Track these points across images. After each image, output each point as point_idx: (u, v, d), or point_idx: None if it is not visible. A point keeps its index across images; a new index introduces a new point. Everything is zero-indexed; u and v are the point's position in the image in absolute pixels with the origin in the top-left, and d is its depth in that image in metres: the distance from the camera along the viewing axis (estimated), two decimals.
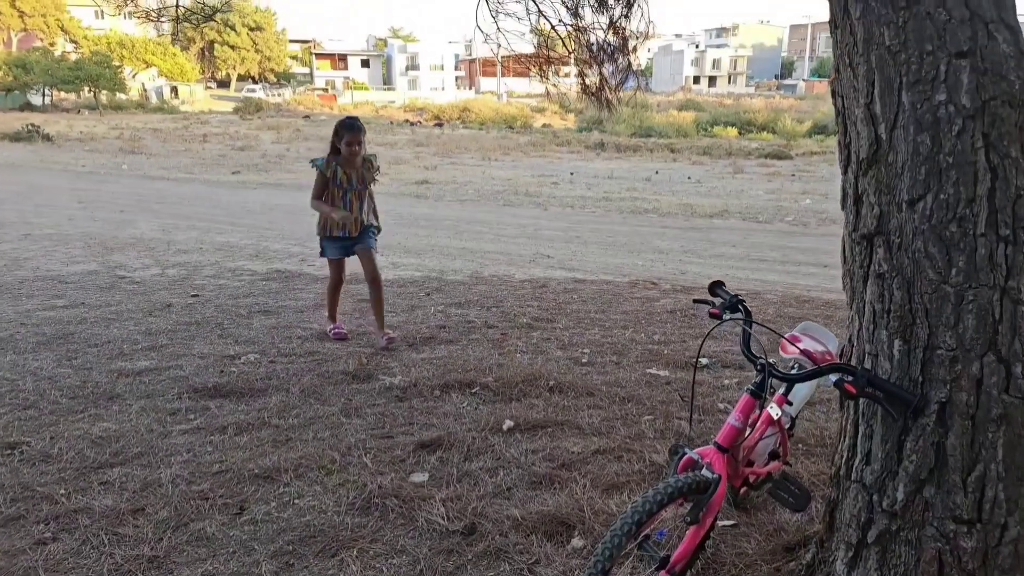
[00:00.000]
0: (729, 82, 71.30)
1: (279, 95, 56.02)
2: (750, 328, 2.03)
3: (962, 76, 1.64)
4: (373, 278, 4.76)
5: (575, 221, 10.59)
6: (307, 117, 39.25)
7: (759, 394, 1.93)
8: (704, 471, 1.89)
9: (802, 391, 2.59)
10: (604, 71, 4.42)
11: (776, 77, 74.18)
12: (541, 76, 4.81)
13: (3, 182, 13.78)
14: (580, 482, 2.79)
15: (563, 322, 5.26)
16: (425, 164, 20.54)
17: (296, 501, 2.66)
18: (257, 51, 64.00)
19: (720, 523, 2.47)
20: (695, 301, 2.40)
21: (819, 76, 68.32)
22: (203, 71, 64.24)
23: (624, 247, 8.69)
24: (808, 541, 2.21)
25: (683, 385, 3.87)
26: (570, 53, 4.49)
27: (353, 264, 4.97)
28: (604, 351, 4.52)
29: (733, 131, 32.88)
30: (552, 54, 5.06)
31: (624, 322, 5.23)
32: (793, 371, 1.99)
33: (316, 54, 72.75)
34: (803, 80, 66.40)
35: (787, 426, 2.51)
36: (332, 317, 4.99)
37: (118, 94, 45.59)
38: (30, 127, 24.81)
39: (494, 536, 2.42)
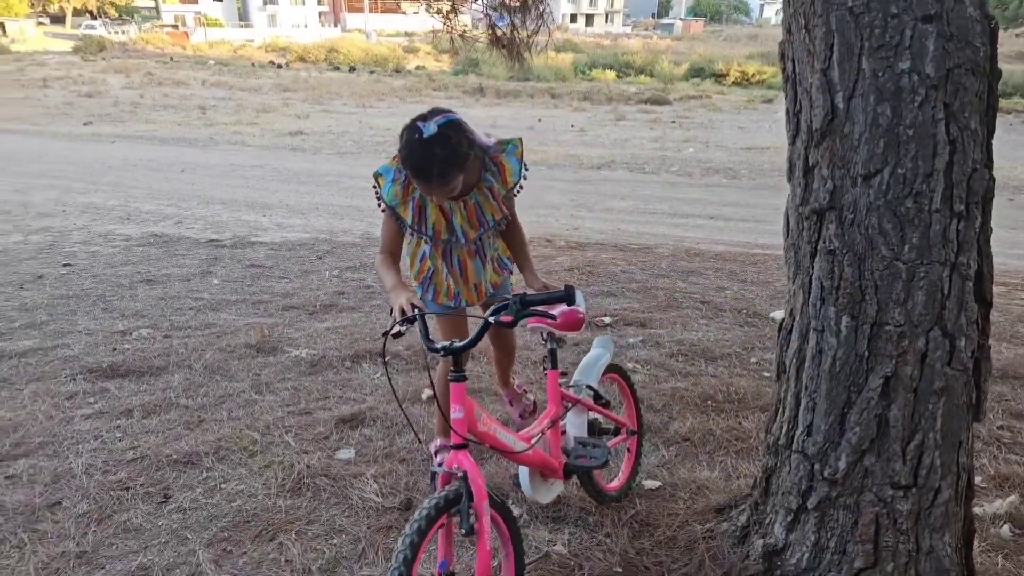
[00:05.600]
0: (606, 21, 71.38)
1: (123, 32, 50.68)
2: (424, 324, 1.86)
3: (927, 42, 1.55)
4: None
5: None
6: (172, 59, 35.96)
7: (460, 376, 1.80)
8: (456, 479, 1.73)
9: (594, 360, 2.47)
10: (515, 21, 4.24)
11: (653, 16, 74.45)
12: (444, 20, 4.55)
13: None
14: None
15: None
16: (296, 112, 19.60)
17: (223, 486, 2.58)
18: None
19: (646, 484, 2.61)
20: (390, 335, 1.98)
21: (695, 15, 68.64)
22: (32, 4, 57.24)
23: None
24: (738, 503, 2.30)
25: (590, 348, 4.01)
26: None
27: None
28: None
29: (612, 74, 33.13)
30: None
31: (523, 282, 5.32)
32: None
33: None
34: (680, 19, 66.18)
35: (583, 396, 2.35)
36: (443, 429, 2.67)
37: None
38: None
39: None
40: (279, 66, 36.08)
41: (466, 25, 4.98)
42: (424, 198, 2.24)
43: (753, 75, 31.55)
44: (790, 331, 1.97)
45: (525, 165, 2.30)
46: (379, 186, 2.26)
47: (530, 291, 2.24)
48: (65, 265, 5.48)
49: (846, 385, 1.80)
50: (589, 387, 2.39)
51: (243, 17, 66.01)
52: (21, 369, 3.54)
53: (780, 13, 1.98)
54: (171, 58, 35.73)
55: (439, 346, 1.79)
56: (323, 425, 3.05)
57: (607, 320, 4.39)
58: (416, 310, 1.90)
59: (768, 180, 10.26)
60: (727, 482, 2.64)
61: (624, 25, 69.93)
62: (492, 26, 4.38)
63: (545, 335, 2.27)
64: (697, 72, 33.15)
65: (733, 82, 31.59)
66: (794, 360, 1.94)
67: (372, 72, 34.08)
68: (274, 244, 6.47)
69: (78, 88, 22.89)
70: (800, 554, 1.94)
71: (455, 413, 1.79)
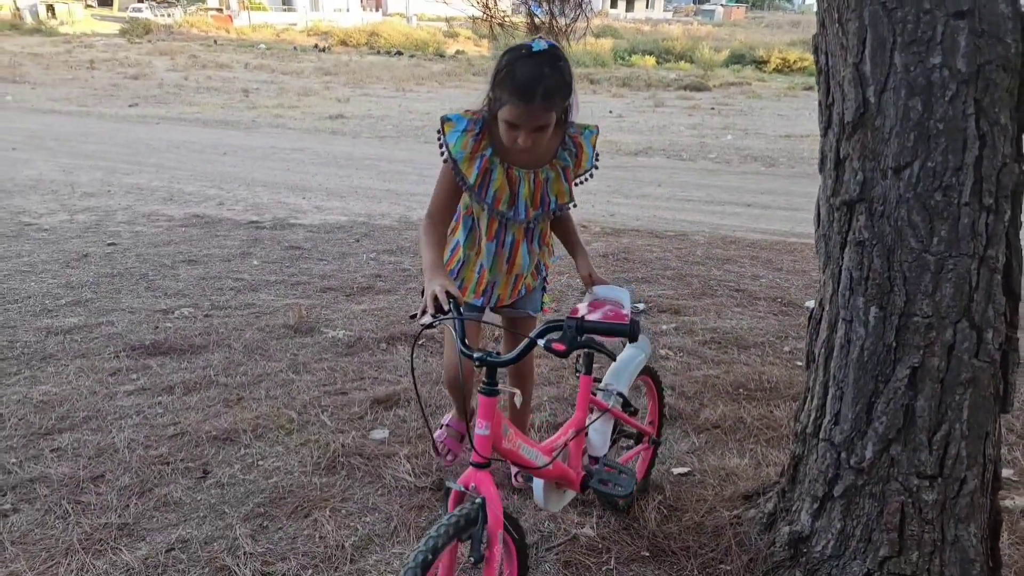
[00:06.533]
0: (647, 6, 70.20)
1: (168, 15, 51.71)
2: (460, 320, 1.70)
3: (959, 38, 1.57)
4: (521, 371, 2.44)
5: None
6: (216, 42, 36.48)
7: (493, 390, 1.64)
8: (471, 501, 1.60)
9: (628, 362, 2.33)
10: (554, 10, 4.27)
11: (694, 2, 73.06)
12: (484, 9, 4.57)
13: None
14: (538, 432, 2.89)
15: None
16: (337, 96, 19.71)
17: (260, 463, 2.66)
18: None
19: (674, 471, 2.63)
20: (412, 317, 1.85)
21: (737, 1, 67.21)
22: None
23: None
24: (766, 490, 2.32)
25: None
26: None
27: None
28: None
29: (651, 60, 32.74)
30: None
31: (559, 267, 5.27)
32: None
33: None
34: (721, 5, 64.49)
35: (613, 403, 2.20)
36: (460, 411, 2.62)
37: None
38: None
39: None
40: (322, 50, 36.34)
41: (505, 11, 4.98)
42: (493, 160, 2.00)
43: (794, 62, 30.92)
44: (819, 320, 1.99)
45: (597, 155, 2.14)
46: (444, 133, 1.99)
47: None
48: (110, 244, 5.63)
49: (873, 375, 1.82)
50: (620, 394, 2.23)
51: (286, 1, 66.77)
52: (67, 345, 3.67)
53: None
54: (215, 41, 36.26)
55: (476, 355, 1.63)
56: (358, 405, 3.11)
57: (641, 307, 4.39)
58: (452, 302, 1.71)
59: (806, 168, 10.07)
60: (756, 470, 2.65)
61: (665, 11, 68.68)
62: (530, 15, 4.38)
63: None
64: (738, 59, 32.60)
65: (774, 69, 30.96)
66: (823, 349, 1.96)
67: (412, 56, 34.15)
68: (313, 227, 6.56)
69: (124, 70, 23.34)
70: (825, 541, 1.97)
71: (481, 429, 1.64)
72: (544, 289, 2.41)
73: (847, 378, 1.87)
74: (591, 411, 2.15)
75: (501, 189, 2.04)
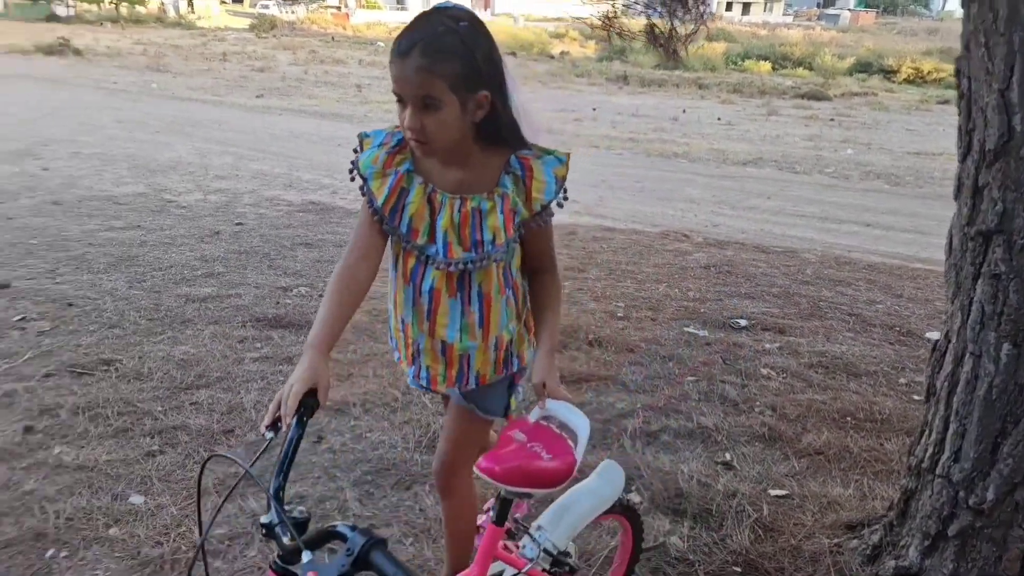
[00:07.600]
0: (765, 9, 67.63)
1: (292, 12, 54.86)
2: (292, 448, 1.24)
3: None
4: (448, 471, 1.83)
5: (600, 163, 10.25)
6: (333, 39, 38.14)
7: (287, 572, 1.11)
8: None
9: (579, 501, 1.71)
10: (675, 21, 4.26)
11: (818, 6, 69.30)
12: (604, 19, 4.60)
13: (47, 98, 13.74)
14: (630, 440, 2.91)
15: (594, 272, 5.24)
16: None
17: (368, 435, 2.85)
18: None
19: (772, 492, 2.60)
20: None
21: (867, 6, 63.10)
22: None
23: (653, 194, 8.63)
24: (871, 522, 2.26)
25: (724, 347, 3.93)
26: None
27: None
28: (639, 306, 4.54)
29: (766, 66, 31.45)
30: None
31: (657, 276, 5.24)
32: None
33: None
34: (848, 10, 60.69)
35: (536, 562, 1.59)
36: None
37: (137, 7, 44.91)
38: (61, 41, 24.73)
39: None
40: None
41: (619, 14, 5.00)
42: (412, 178, 1.53)
43: (929, 73, 28.68)
44: (944, 353, 1.93)
45: (565, 191, 1.54)
46: (361, 151, 1.58)
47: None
48: (237, 224, 6.06)
49: (1001, 414, 1.75)
50: (547, 550, 1.59)
51: (400, 0, 69.21)
52: (202, 312, 4.04)
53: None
54: (332, 38, 37.90)
55: (265, 519, 1.14)
56: None
57: (743, 323, 4.31)
58: (301, 412, 1.27)
59: (937, 189, 9.47)
60: (861, 501, 2.56)
61: (784, 15, 65.95)
62: (650, 22, 4.39)
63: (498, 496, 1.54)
64: (864, 67, 30.71)
65: (904, 79, 28.92)
66: (946, 383, 1.90)
67: (515, 56, 34.42)
68: None
69: (252, 63, 24.76)
70: None
71: None
72: (512, 387, 1.75)
73: (971, 415, 1.81)
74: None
75: (418, 215, 1.54)
